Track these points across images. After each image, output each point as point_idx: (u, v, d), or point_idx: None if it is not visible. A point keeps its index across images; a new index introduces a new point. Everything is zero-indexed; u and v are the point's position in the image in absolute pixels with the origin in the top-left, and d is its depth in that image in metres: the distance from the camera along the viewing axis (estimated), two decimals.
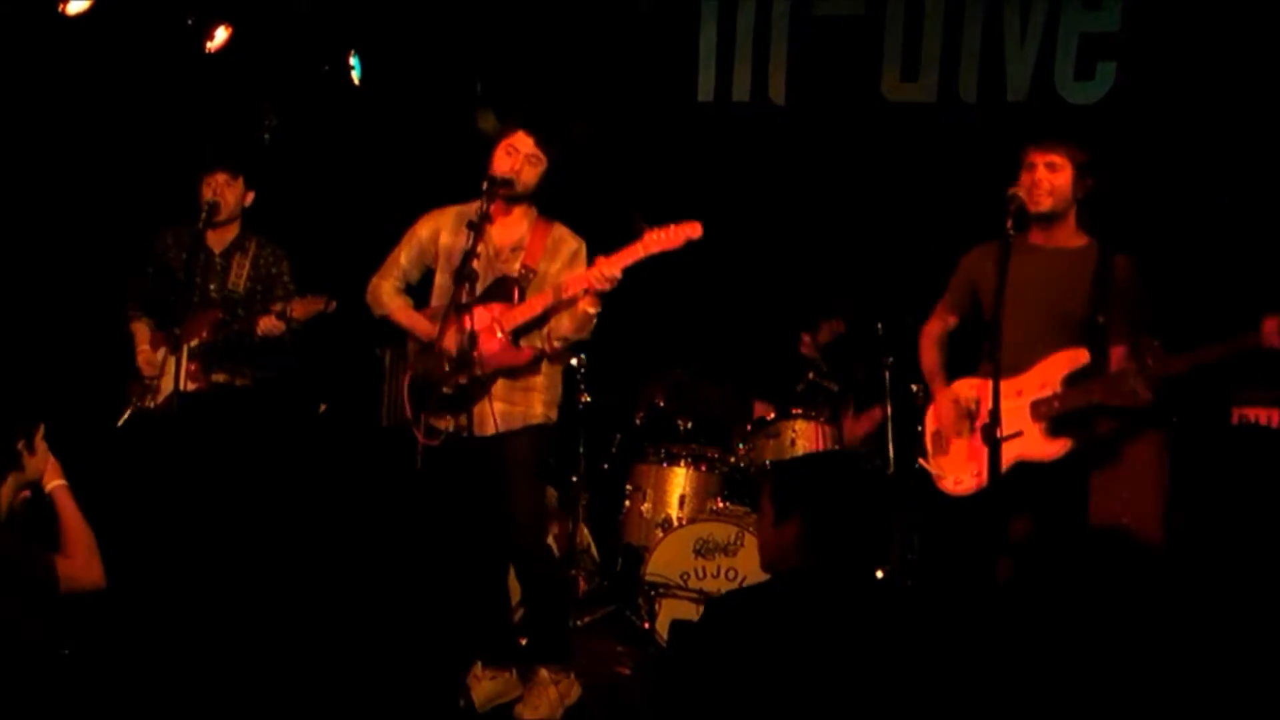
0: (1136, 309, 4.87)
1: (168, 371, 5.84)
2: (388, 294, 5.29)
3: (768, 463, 6.50)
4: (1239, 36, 6.81)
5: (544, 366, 5.17)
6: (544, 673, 5.08)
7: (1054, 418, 4.80)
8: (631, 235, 4.88)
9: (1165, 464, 6.23)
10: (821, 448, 6.53)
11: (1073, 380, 4.81)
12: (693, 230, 4.80)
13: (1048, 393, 4.82)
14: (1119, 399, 4.77)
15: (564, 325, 5.04)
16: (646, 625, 6.08)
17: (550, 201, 5.26)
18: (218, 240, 6.02)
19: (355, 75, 7.46)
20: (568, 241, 5.16)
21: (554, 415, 5.25)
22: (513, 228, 5.18)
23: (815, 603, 3.26)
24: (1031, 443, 4.82)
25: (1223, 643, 5.22)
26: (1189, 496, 6.10)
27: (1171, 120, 6.95)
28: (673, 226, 4.80)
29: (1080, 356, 4.80)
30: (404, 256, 5.30)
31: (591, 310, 4.96)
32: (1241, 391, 6.18)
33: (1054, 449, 4.81)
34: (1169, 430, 6.24)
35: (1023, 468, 4.79)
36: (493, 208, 5.08)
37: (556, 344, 5.09)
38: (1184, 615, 5.47)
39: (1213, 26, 6.87)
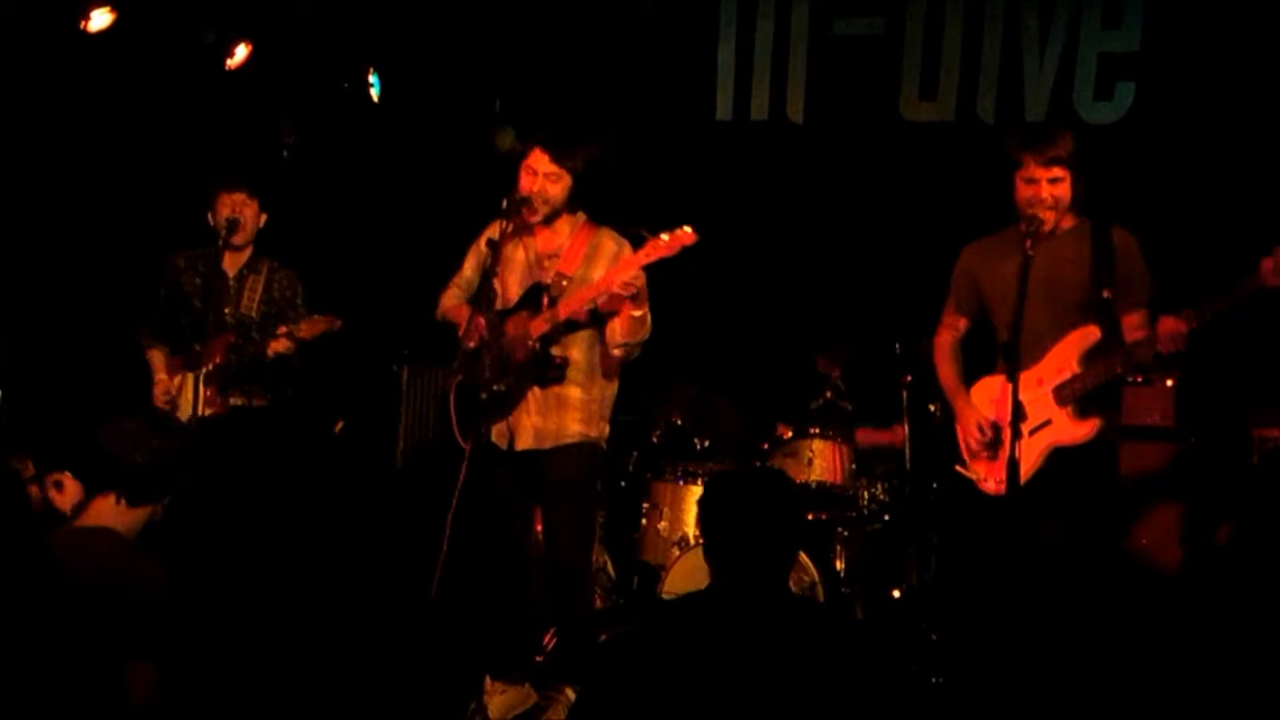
0: (1139, 275, 4.87)
1: (185, 396, 5.86)
2: (448, 298, 5.40)
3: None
4: (1258, 56, 6.81)
5: (580, 378, 5.17)
6: (570, 692, 5.09)
7: (1079, 398, 4.80)
8: (635, 243, 5.00)
9: (1185, 486, 6.23)
10: (839, 467, 6.52)
11: (1090, 357, 4.80)
12: (686, 238, 4.87)
13: (1068, 375, 4.82)
14: (1137, 365, 4.77)
15: (615, 332, 5.07)
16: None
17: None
18: (231, 263, 6.02)
19: (374, 92, 7.48)
20: (608, 245, 5.18)
21: (594, 432, 5.25)
22: (554, 236, 5.22)
23: (709, 623, 3.26)
24: (1062, 428, 4.81)
25: (1239, 663, 5.20)
26: (1207, 518, 6.09)
27: (1190, 140, 6.94)
28: (669, 235, 4.87)
29: (1091, 334, 4.81)
30: (468, 267, 5.40)
31: (636, 313, 4.99)
32: (1258, 412, 6.17)
33: (1084, 430, 4.80)
34: (1188, 451, 6.24)
35: (1060, 454, 4.79)
36: (534, 222, 5.15)
37: (617, 352, 5.12)
38: (1200, 636, 5.46)
39: (1232, 46, 6.86)
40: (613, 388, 5.32)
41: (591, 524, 5.67)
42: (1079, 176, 4.89)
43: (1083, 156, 4.90)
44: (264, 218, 6.07)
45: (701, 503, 3.56)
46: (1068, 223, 4.94)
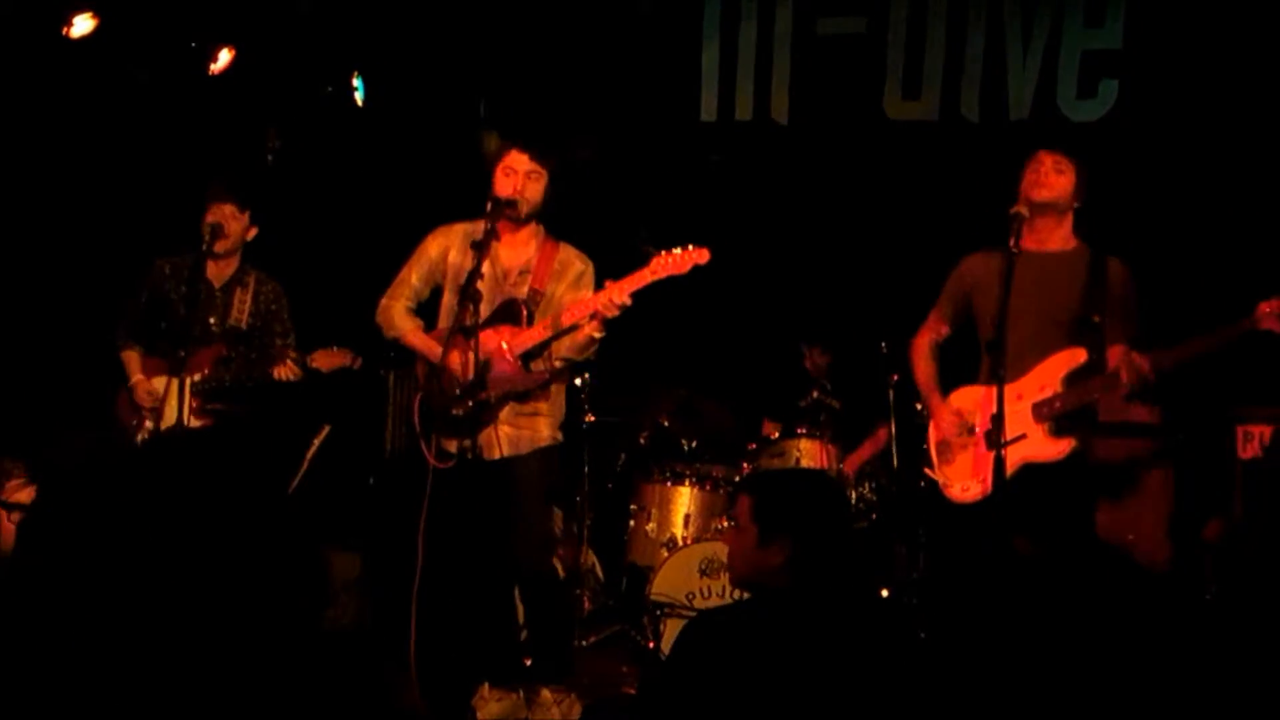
0: (1132, 310, 4.92)
1: (170, 403, 5.82)
2: (399, 315, 5.30)
3: (741, 476, 6.52)
4: (1241, 53, 6.82)
5: (549, 386, 5.19)
6: (547, 693, 5.10)
7: (1056, 417, 4.83)
8: (638, 259, 4.92)
9: (1171, 481, 6.24)
10: (826, 466, 6.52)
11: (1072, 379, 4.84)
12: (700, 256, 4.84)
13: (1048, 393, 4.85)
14: (1118, 392, 4.81)
15: (564, 347, 5.08)
16: (651, 645, 6.07)
17: (555, 221, 5.28)
18: (217, 273, 5.98)
19: (359, 96, 7.47)
20: (574, 263, 5.18)
21: (559, 436, 5.29)
22: (520, 249, 5.21)
23: (808, 627, 3.24)
24: (1036, 444, 4.84)
25: (1227, 660, 5.21)
26: (1195, 513, 6.11)
27: (1174, 137, 6.95)
28: (681, 251, 4.83)
29: (1078, 356, 4.85)
30: (415, 275, 5.32)
31: (596, 335, 5.00)
32: (1243, 408, 6.18)
33: (1058, 449, 4.85)
34: (1174, 448, 6.25)
35: (1029, 471, 4.81)
36: (500, 228, 5.11)
37: (557, 364, 5.14)
38: (1189, 631, 5.47)
39: (1214, 43, 6.87)
40: (563, 391, 5.38)
41: (552, 526, 5.70)
42: (1081, 190, 4.95)
43: (1089, 178, 4.97)
44: (253, 231, 6.03)
45: (794, 508, 3.43)
46: (1068, 244, 5.00)
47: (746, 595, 3.57)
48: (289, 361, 5.71)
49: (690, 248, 4.85)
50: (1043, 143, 5.08)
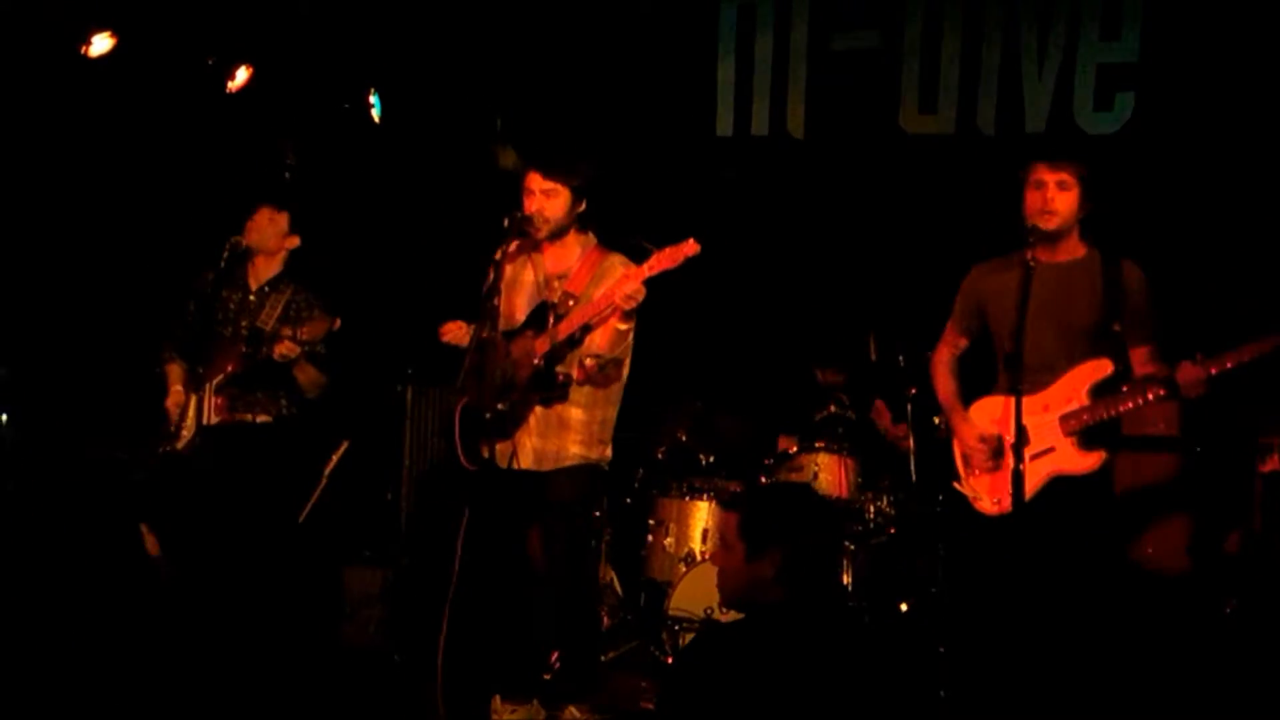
0: (1149, 313, 4.89)
1: (191, 410, 5.89)
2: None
3: (730, 493, 6.51)
4: (1259, 65, 6.80)
5: (582, 399, 5.18)
6: (573, 710, 5.09)
7: (1084, 430, 4.80)
8: (640, 256, 4.96)
9: (1191, 494, 6.23)
10: (844, 481, 6.51)
11: (1099, 391, 4.81)
12: (689, 249, 4.83)
13: (1075, 405, 4.83)
14: (1148, 402, 4.78)
15: (596, 342, 5.07)
16: (671, 660, 6.06)
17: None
18: (256, 278, 6.08)
19: (375, 113, 7.50)
20: (617, 269, 5.18)
21: (594, 454, 5.26)
22: (563, 257, 5.25)
23: (806, 639, 3.25)
24: (1065, 457, 4.82)
25: (1248, 672, 5.20)
26: (1215, 526, 6.09)
27: (1191, 150, 6.93)
28: (672, 247, 4.84)
29: (1104, 367, 4.82)
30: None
31: (622, 327, 4.98)
32: (1263, 421, 6.17)
33: (1089, 462, 4.82)
34: (1194, 461, 6.23)
35: (1060, 483, 4.79)
36: (540, 239, 5.17)
37: (589, 362, 5.11)
38: (1209, 644, 5.46)
39: (1232, 55, 6.86)
40: (613, 410, 5.34)
41: (588, 545, 5.65)
42: (1088, 197, 4.91)
43: (1095, 180, 4.93)
44: (295, 240, 6.16)
45: (780, 519, 3.46)
46: (1079, 252, 4.97)
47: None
48: (283, 340, 5.78)
49: (680, 242, 4.84)
50: (1038, 153, 5.01)
